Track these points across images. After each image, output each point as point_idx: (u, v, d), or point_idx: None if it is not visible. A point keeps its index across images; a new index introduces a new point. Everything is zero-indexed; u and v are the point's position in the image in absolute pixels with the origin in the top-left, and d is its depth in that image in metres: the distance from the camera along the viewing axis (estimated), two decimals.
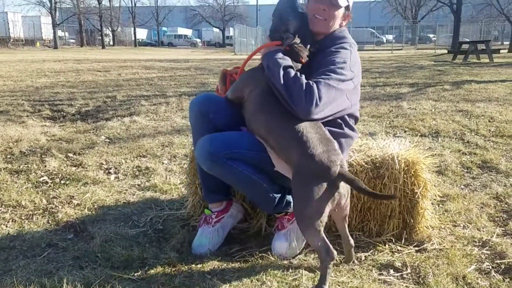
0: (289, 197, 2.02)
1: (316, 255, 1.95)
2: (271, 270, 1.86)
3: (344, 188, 1.72)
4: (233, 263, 1.95)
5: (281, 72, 1.79)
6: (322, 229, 1.70)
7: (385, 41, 46.92)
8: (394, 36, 44.76)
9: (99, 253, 1.97)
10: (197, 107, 2.08)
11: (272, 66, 1.82)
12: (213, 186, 2.11)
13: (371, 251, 2.04)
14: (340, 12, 2.05)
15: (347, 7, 2.07)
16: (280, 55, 1.86)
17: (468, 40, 23.15)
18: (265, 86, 1.86)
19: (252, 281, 1.76)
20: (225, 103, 2.06)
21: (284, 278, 1.79)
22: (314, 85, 1.75)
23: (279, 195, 1.98)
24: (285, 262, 1.94)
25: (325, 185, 1.67)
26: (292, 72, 1.80)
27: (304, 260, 1.96)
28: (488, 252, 2.06)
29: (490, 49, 16.59)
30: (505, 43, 36.58)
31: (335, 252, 1.72)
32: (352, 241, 1.92)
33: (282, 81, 1.77)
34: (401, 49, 32.69)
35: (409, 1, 45.05)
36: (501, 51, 20.96)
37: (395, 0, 45.52)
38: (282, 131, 1.80)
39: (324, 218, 1.69)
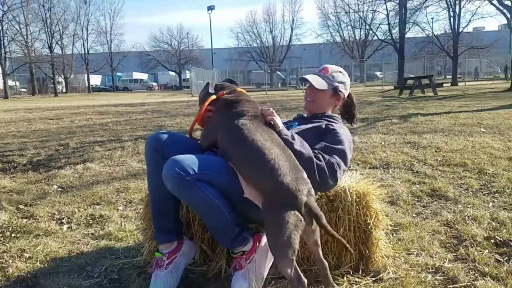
0: (248, 234, 2.01)
1: None
2: None
3: (310, 215, 1.76)
4: None
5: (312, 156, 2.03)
6: (294, 257, 1.73)
7: None
8: None
9: None
10: (152, 144, 2.11)
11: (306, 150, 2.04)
12: (165, 226, 2.09)
13: None
14: (326, 95, 2.39)
15: (334, 89, 2.39)
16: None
17: (412, 75, 24.45)
18: (230, 125, 2.00)
19: None
20: (179, 137, 2.12)
21: None
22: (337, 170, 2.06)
23: (238, 229, 1.98)
24: None
25: (293, 212, 1.71)
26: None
27: None
28: (441, 278, 2.13)
29: (433, 83, 17.64)
30: (447, 77, 39.00)
31: (306, 281, 1.75)
32: (326, 265, 1.91)
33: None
34: (351, 87, 33.96)
35: (356, 42, 47.48)
36: (444, 84, 22.30)
37: (343, 41, 47.88)
38: (253, 159, 1.87)
39: (296, 246, 1.72)
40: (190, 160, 1.89)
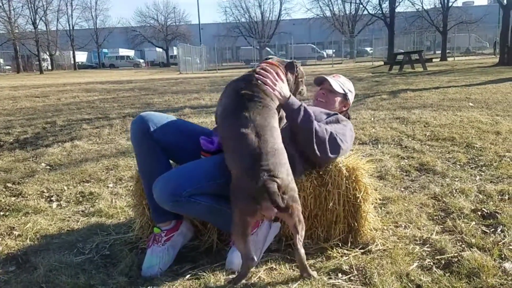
0: None
1: (268, 267, 1.99)
2: (223, 285, 1.86)
3: (268, 201, 1.73)
4: (185, 281, 1.92)
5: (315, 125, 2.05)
6: (246, 237, 1.79)
7: (325, 55, 48.52)
8: (334, 50, 46.45)
9: (43, 284, 1.89)
10: (137, 125, 2.09)
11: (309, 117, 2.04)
12: (161, 206, 2.09)
13: (320, 257, 2.09)
14: (338, 98, 2.50)
15: (344, 96, 2.51)
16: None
17: (402, 51, 24.39)
18: (225, 105, 1.98)
19: None
20: (164, 118, 2.09)
21: None
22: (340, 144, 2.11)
23: None
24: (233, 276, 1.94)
25: (245, 199, 1.74)
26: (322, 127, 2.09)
27: (256, 271, 1.97)
28: (429, 249, 2.17)
29: (423, 59, 17.61)
30: (437, 52, 39.00)
31: (254, 261, 1.84)
32: (300, 252, 1.83)
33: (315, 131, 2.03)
34: (341, 63, 33.93)
35: (346, 16, 47.08)
36: (433, 60, 22.28)
37: (333, 16, 47.43)
38: (226, 142, 1.90)
39: (244, 228, 1.77)
40: (179, 179, 1.90)
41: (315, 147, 2.04)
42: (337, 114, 2.34)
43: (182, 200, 1.86)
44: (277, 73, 2.05)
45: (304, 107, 2.06)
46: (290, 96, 2.06)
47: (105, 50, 58.10)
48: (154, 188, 1.90)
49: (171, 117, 2.21)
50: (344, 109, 2.56)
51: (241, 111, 1.89)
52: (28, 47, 41.90)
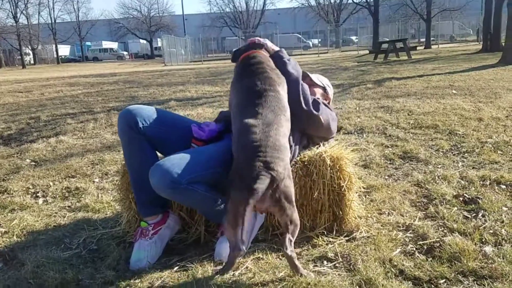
0: None
1: (255, 257, 2.02)
2: (211, 276, 1.88)
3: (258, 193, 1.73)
4: (173, 273, 1.94)
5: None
6: (237, 227, 1.78)
7: (311, 45, 48.54)
8: (320, 40, 46.43)
9: (31, 280, 1.89)
10: (124, 119, 2.08)
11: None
12: (148, 200, 2.10)
13: (306, 246, 2.12)
14: (319, 90, 2.62)
15: (324, 89, 2.66)
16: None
17: (387, 39, 24.52)
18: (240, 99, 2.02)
19: (193, 287, 1.77)
20: (152, 111, 2.10)
21: (223, 282, 1.82)
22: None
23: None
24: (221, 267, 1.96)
25: (238, 189, 1.74)
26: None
27: (243, 261, 2.00)
28: (412, 235, 2.22)
29: (407, 47, 17.77)
30: (421, 40, 39.22)
31: (242, 251, 1.83)
32: (288, 253, 1.79)
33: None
34: (327, 52, 33.98)
35: (331, 5, 47.05)
36: (418, 48, 22.48)
37: (317, 5, 47.37)
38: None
39: (236, 217, 1.76)
40: (177, 166, 1.87)
41: (301, 99, 2.13)
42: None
43: (181, 187, 1.85)
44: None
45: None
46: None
47: (88, 43, 57.30)
48: (152, 175, 1.86)
49: (159, 109, 2.21)
50: (325, 102, 2.60)
51: (254, 106, 1.93)
52: (10, 42, 41.15)
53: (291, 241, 1.82)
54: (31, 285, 1.86)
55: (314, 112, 2.16)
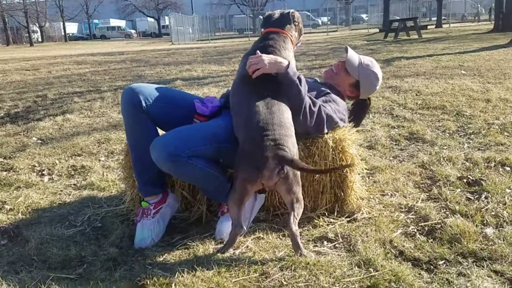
0: None
1: (255, 236, 2.04)
2: (212, 254, 1.91)
3: (269, 170, 1.76)
4: (175, 251, 1.97)
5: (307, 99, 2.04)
6: (240, 205, 1.85)
7: (320, 23, 47.83)
8: (329, 18, 45.77)
9: (35, 256, 1.93)
10: (127, 97, 2.07)
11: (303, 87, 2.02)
12: (149, 179, 2.11)
13: (307, 226, 2.13)
14: (348, 79, 2.39)
15: (357, 83, 2.38)
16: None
17: (398, 18, 24.07)
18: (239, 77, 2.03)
19: (193, 266, 1.79)
20: (154, 89, 2.09)
21: (224, 260, 1.84)
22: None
23: (230, 183, 2.01)
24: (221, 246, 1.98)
25: (246, 168, 1.77)
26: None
27: (244, 240, 2.02)
28: (413, 216, 2.22)
29: (418, 26, 17.43)
30: (432, 19, 38.50)
31: (243, 229, 1.90)
32: (292, 231, 1.81)
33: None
34: (336, 31, 33.53)
35: None
36: (428, 27, 22.05)
37: None
38: (233, 109, 1.98)
39: (242, 195, 1.83)
40: (178, 140, 1.88)
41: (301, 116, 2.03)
42: (329, 93, 2.30)
43: (182, 160, 1.85)
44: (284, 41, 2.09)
45: (299, 81, 2.02)
46: (288, 65, 1.99)
47: (95, 21, 56.98)
48: (153, 149, 1.87)
49: (162, 87, 2.19)
50: (351, 95, 2.46)
51: (255, 83, 1.94)
52: (17, 19, 41.03)
53: (296, 219, 1.85)
54: (34, 261, 1.89)
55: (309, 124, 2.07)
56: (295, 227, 1.82)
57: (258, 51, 1.99)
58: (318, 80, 2.55)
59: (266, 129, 1.81)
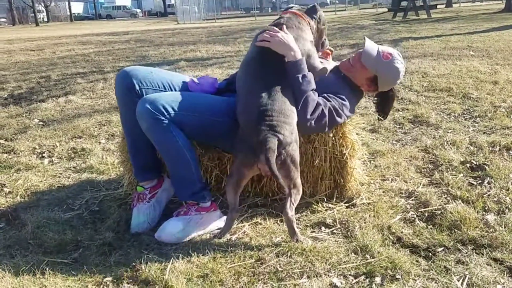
0: (207, 195, 1.99)
1: (253, 222, 2.03)
2: (208, 239, 1.89)
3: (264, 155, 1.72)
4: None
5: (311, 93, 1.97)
6: (237, 188, 1.85)
7: (328, 2, 47.07)
8: None
9: (31, 240, 1.92)
10: (121, 81, 2.04)
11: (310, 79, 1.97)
12: (144, 164, 2.09)
13: (305, 212, 2.11)
14: (365, 73, 2.17)
15: (374, 78, 2.16)
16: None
17: None
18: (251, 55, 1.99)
19: (188, 251, 1.78)
20: (149, 72, 2.06)
21: (220, 245, 1.83)
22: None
23: (201, 185, 1.96)
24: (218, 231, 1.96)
25: (244, 150, 1.77)
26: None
27: (241, 226, 2.00)
28: (413, 202, 2.18)
29: (427, 5, 17.11)
30: None
31: (237, 213, 1.92)
32: (288, 216, 1.79)
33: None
34: (345, 10, 32.97)
35: None
36: (438, 6, 21.61)
37: None
38: (238, 91, 1.96)
39: (240, 177, 1.84)
40: (164, 99, 1.85)
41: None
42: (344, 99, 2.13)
43: (164, 123, 1.80)
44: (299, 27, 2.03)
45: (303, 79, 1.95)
46: (297, 57, 1.94)
47: (101, 0, 56.54)
48: (139, 104, 1.84)
49: (156, 70, 2.16)
50: (368, 88, 2.25)
51: (263, 66, 1.93)
52: None
53: (293, 205, 1.82)
54: (30, 245, 1.89)
55: (309, 119, 1.97)
56: (291, 213, 1.80)
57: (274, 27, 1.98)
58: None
59: (265, 114, 1.79)
